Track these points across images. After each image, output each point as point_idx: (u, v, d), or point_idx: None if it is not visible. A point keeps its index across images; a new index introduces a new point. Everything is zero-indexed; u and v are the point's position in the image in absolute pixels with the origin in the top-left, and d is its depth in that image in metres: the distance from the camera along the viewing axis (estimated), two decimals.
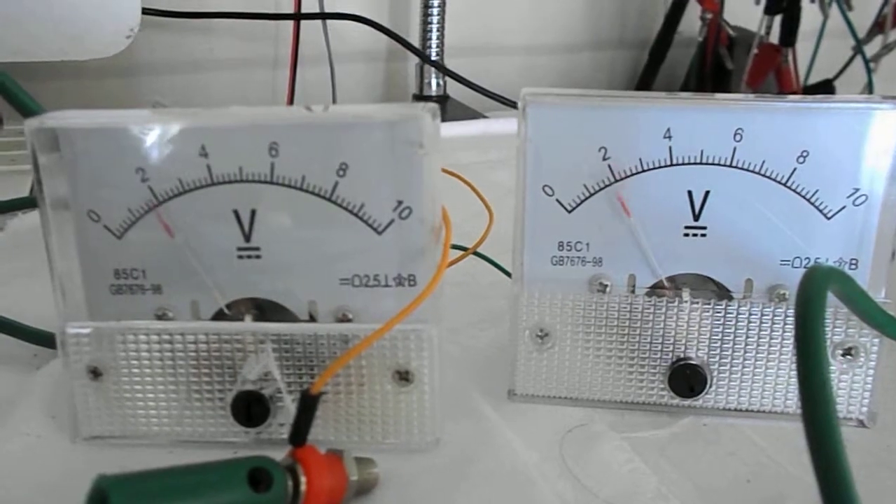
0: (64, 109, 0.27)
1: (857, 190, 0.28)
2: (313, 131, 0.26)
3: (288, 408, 0.28)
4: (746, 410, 0.30)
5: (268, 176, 0.27)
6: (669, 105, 0.28)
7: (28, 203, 0.43)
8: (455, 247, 0.35)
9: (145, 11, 0.58)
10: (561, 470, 0.28)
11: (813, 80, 0.82)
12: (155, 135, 0.26)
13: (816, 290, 0.22)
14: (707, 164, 0.28)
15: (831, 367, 0.29)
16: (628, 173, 0.29)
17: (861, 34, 0.76)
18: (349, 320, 0.28)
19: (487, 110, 0.76)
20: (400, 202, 0.27)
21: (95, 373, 0.28)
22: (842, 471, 0.18)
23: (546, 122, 0.29)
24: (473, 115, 0.75)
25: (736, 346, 0.30)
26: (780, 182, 0.28)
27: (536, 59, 0.88)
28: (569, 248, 0.30)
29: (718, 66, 0.85)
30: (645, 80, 0.88)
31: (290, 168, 0.26)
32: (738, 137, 0.28)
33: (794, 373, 0.29)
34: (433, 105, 0.26)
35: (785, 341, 0.29)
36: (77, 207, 0.27)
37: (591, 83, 0.91)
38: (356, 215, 0.27)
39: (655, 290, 0.30)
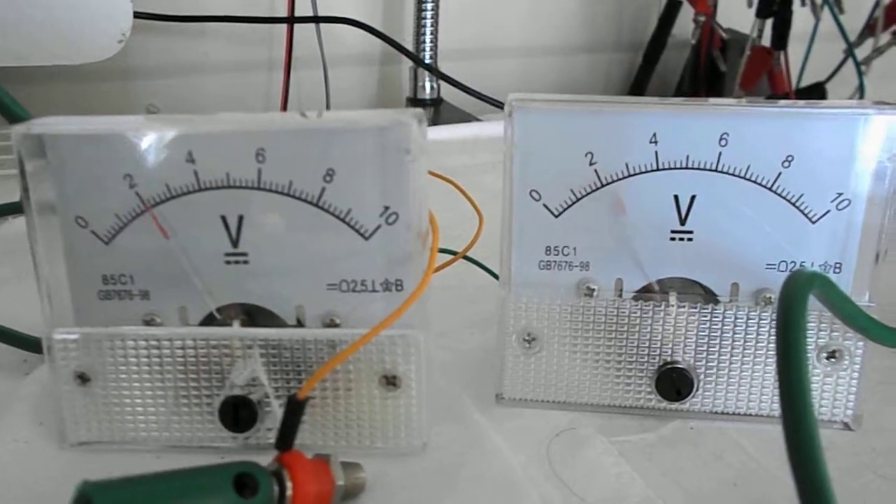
0: (55, 114, 0.27)
1: (840, 195, 0.28)
2: (300, 137, 0.27)
3: (275, 413, 0.28)
4: (733, 414, 0.31)
5: (255, 182, 0.27)
6: (655, 110, 0.29)
7: (17, 208, 0.43)
8: (444, 250, 0.35)
9: (137, 15, 0.58)
10: (548, 474, 0.28)
11: (805, 82, 0.82)
12: (142, 141, 0.26)
13: (797, 294, 0.22)
14: (693, 168, 0.29)
15: (816, 370, 0.30)
16: (615, 178, 0.29)
17: (852, 37, 0.76)
18: (336, 325, 0.28)
19: (482, 113, 0.76)
20: (387, 208, 0.27)
21: (83, 378, 0.28)
22: (820, 476, 0.18)
23: (533, 127, 0.29)
24: (467, 118, 0.75)
25: (722, 350, 0.30)
26: (765, 186, 0.28)
27: (532, 62, 0.89)
28: (556, 252, 0.30)
29: (712, 69, 0.85)
30: (639, 83, 0.89)
31: (277, 174, 0.27)
32: (723, 142, 0.28)
33: None
34: (419, 111, 0.26)
35: (771, 345, 0.30)
36: (64, 213, 0.27)
37: (587, 86, 0.92)
38: (343, 221, 0.27)
39: (642, 294, 0.30)
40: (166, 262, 0.28)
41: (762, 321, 0.29)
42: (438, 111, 0.78)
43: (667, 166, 0.29)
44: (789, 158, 0.28)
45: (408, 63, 0.79)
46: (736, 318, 0.30)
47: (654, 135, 0.28)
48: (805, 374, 0.21)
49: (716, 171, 0.28)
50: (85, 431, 0.29)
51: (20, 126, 0.26)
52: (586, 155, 0.29)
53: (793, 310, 0.22)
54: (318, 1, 0.72)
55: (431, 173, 0.28)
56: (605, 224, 0.29)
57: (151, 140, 0.26)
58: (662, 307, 0.30)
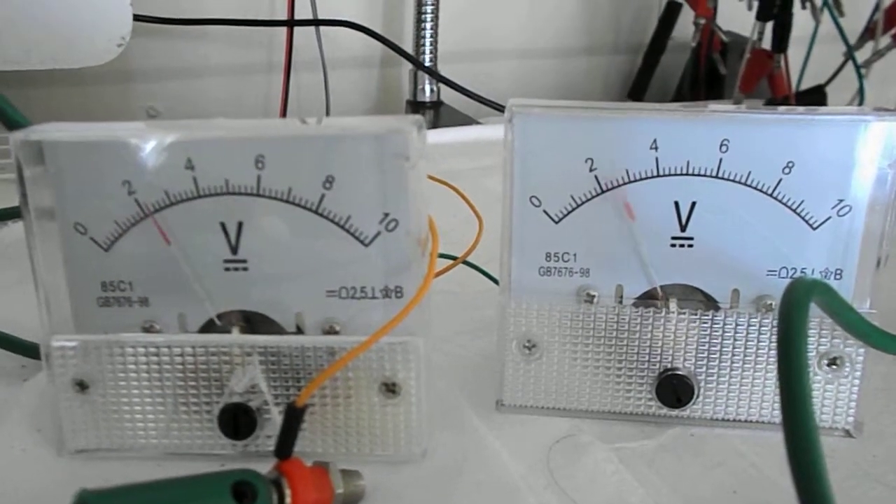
0: (55, 117, 0.27)
1: (841, 201, 0.28)
2: (299, 144, 0.26)
3: (275, 420, 0.28)
4: (733, 421, 0.30)
5: (254, 188, 0.27)
6: (656, 116, 0.28)
7: (17, 213, 0.43)
8: (444, 255, 0.35)
9: (137, 18, 0.58)
10: (548, 481, 0.28)
11: (805, 85, 0.82)
12: (141, 147, 0.26)
13: (799, 302, 0.22)
14: (693, 174, 0.28)
15: (817, 378, 0.29)
16: (615, 184, 0.29)
17: (852, 40, 0.76)
18: (336, 332, 0.28)
19: (482, 116, 0.76)
20: (386, 214, 0.27)
21: (82, 385, 0.28)
22: (821, 483, 0.18)
23: (533, 133, 0.29)
24: (467, 120, 0.75)
25: (723, 357, 0.30)
26: (766, 193, 0.28)
27: (531, 64, 0.89)
28: (556, 258, 0.30)
29: (712, 72, 0.85)
30: (639, 85, 0.89)
31: (277, 181, 0.26)
32: (724, 148, 0.28)
33: None
34: (419, 118, 0.26)
35: (772, 351, 0.29)
36: (63, 220, 0.27)
37: (586, 88, 0.92)
38: (343, 227, 0.27)
39: (643, 300, 0.30)
40: (165, 268, 0.27)
41: (763, 328, 0.29)
42: (438, 114, 0.78)
43: (667, 172, 0.29)
44: (790, 165, 0.28)
45: (407, 66, 0.79)
46: (736, 325, 0.29)
47: (655, 141, 0.28)
48: (806, 381, 0.21)
49: (716, 177, 0.28)
50: (83, 439, 0.28)
51: (19, 133, 0.26)
52: (586, 161, 0.29)
53: (794, 317, 0.22)
54: (318, 4, 0.72)
55: (431, 178, 0.28)
56: (606, 230, 0.29)
57: (150, 146, 0.26)
58: (663, 314, 0.30)
